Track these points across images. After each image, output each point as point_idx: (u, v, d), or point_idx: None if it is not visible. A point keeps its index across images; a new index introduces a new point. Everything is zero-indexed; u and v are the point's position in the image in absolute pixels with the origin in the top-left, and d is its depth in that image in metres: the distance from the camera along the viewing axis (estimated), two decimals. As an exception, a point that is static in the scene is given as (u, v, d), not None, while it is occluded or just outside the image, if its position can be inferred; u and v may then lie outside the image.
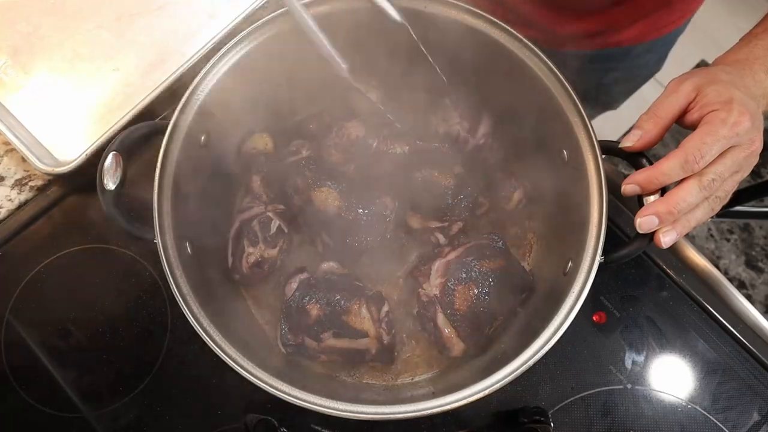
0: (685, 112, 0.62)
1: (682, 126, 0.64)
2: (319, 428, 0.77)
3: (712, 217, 0.63)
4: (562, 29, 0.94)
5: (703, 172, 0.58)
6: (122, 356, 0.80)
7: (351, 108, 0.83)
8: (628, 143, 0.65)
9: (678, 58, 1.19)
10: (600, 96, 1.20)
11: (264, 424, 0.71)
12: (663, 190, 0.62)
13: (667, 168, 0.59)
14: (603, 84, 1.14)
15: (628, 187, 0.63)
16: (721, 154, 0.59)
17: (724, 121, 0.58)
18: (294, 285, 0.74)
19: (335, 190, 0.76)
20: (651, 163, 0.66)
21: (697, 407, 0.80)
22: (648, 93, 1.25)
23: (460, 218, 0.80)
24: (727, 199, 0.62)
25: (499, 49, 0.73)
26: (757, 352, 0.82)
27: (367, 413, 0.61)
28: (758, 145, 0.60)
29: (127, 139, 0.66)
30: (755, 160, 0.61)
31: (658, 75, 1.19)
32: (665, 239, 0.61)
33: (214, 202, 0.80)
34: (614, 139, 0.68)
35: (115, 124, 0.85)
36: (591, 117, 1.12)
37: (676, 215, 0.59)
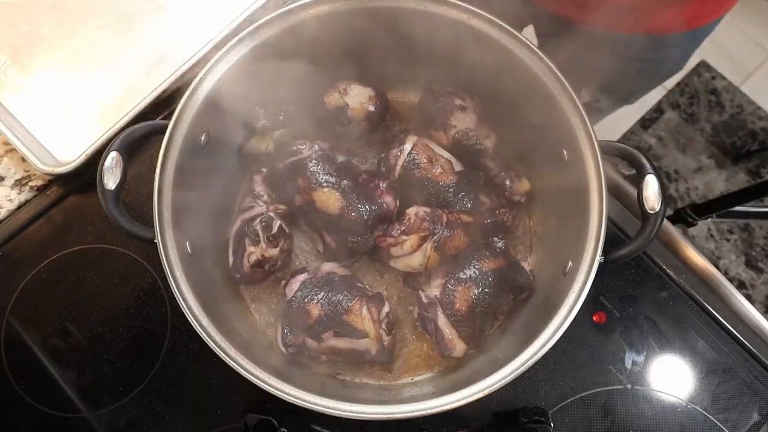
0: None
1: None
2: (319, 428, 0.77)
3: (711, 217, 0.63)
4: None
5: None
6: (122, 356, 0.80)
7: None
8: None
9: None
10: (620, 87, 1.18)
11: (264, 424, 0.71)
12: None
13: None
14: (625, 75, 1.12)
15: None
16: None
17: None
18: (295, 285, 0.74)
19: (336, 190, 0.76)
20: (651, 163, 0.66)
21: (697, 407, 0.80)
22: (649, 94, 1.25)
23: (460, 218, 0.80)
24: None
25: (500, 48, 0.72)
26: (757, 352, 0.82)
27: (367, 413, 0.61)
28: None
29: (127, 139, 0.66)
30: None
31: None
32: None
33: (214, 202, 0.80)
34: (614, 139, 0.68)
35: (115, 124, 0.84)
36: (608, 110, 1.05)
37: None
